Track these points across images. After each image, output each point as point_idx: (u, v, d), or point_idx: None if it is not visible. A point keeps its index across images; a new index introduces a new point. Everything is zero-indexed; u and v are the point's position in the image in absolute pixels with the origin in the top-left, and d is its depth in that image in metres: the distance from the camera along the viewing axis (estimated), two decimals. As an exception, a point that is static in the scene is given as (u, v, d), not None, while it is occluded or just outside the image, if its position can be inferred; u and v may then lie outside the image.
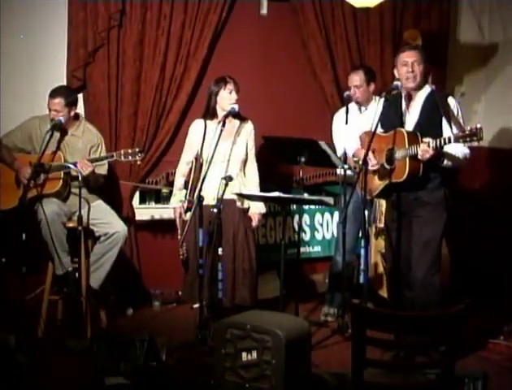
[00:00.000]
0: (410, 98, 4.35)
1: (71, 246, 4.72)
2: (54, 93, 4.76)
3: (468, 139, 3.93)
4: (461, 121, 4.25)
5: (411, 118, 4.33)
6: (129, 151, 4.72)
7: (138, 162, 4.93)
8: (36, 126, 4.79)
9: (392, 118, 4.35)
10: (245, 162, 4.91)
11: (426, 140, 4.10)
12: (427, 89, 4.34)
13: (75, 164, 4.63)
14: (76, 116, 4.88)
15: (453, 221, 4.41)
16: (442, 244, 4.44)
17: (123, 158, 4.71)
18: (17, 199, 4.48)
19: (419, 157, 4.12)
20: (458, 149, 4.20)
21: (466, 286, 5.27)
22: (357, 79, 5.15)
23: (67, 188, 4.79)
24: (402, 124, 4.33)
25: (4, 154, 4.80)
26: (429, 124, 4.22)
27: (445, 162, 4.20)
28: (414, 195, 4.32)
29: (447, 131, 4.18)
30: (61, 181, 4.72)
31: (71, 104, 4.80)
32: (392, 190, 4.42)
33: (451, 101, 4.29)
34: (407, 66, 4.29)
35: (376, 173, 4.43)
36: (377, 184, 4.44)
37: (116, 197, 5.38)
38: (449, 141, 4.02)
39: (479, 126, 3.91)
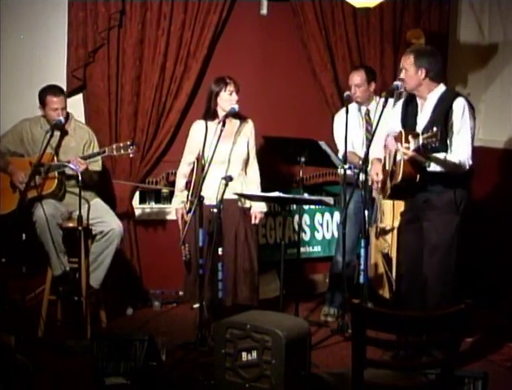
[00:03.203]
0: (422, 99, 4.30)
1: (70, 246, 4.72)
2: (58, 91, 4.77)
3: (430, 140, 3.92)
4: (462, 125, 4.14)
5: (422, 118, 4.27)
6: (121, 145, 4.70)
7: (131, 155, 4.86)
8: (27, 128, 4.79)
9: (410, 118, 4.31)
10: (246, 161, 4.91)
11: (410, 139, 4.09)
12: (440, 89, 4.25)
13: (67, 163, 4.61)
14: (67, 115, 4.89)
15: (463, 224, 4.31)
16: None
17: (115, 152, 4.68)
18: (14, 203, 4.48)
19: (403, 157, 4.10)
20: (452, 156, 4.12)
21: (468, 287, 5.27)
22: (357, 78, 5.16)
23: (63, 188, 4.78)
24: (416, 125, 4.28)
25: None
26: (436, 126, 4.10)
27: (432, 166, 4.11)
28: (424, 197, 4.26)
29: (455, 136, 4.13)
30: (56, 181, 4.70)
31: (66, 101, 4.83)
32: (404, 192, 4.35)
33: (458, 102, 4.17)
34: (401, 71, 4.31)
35: (388, 175, 4.41)
36: (388, 185, 4.43)
37: (115, 195, 5.38)
38: (419, 143, 3.99)
39: (435, 129, 3.91)
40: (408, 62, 4.24)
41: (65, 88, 5.12)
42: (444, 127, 4.15)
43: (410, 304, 4.39)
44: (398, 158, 4.21)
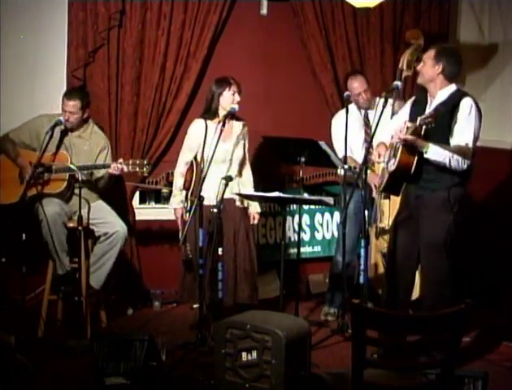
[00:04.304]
0: (432, 96, 4.29)
1: (71, 246, 4.72)
2: (70, 96, 4.80)
3: (427, 120, 3.96)
4: (467, 122, 4.13)
5: None
6: (137, 162, 4.73)
7: (145, 174, 4.95)
8: (44, 124, 4.77)
9: (418, 114, 4.27)
10: (242, 163, 4.93)
11: (408, 124, 4.14)
12: (450, 88, 4.25)
13: (108, 166, 4.71)
14: (86, 119, 4.89)
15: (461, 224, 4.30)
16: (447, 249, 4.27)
17: (130, 168, 4.71)
18: (19, 194, 4.48)
19: (400, 140, 4.11)
20: (453, 149, 4.11)
21: (468, 286, 5.27)
22: (359, 85, 5.16)
23: (71, 190, 4.80)
24: None
25: (9, 148, 4.80)
26: (440, 123, 4.10)
27: (430, 153, 4.08)
28: (417, 193, 4.27)
29: (457, 134, 4.13)
30: (65, 182, 4.72)
31: (86, 106, 4.84)
32: (398, 184, 4.36)
33: (465, 101, 4.17)
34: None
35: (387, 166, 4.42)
36: (385, 177, 4.43)
37: (117, 197, 5.37)
38: (416, 125, 4.03)
39: (432, 111, 4.01)
40: (428, 55, 4.29)
41: (65, 88, 5.13)
42: (448, 124, 4.15)
43: (397, 302, 4.39)
44: (397, 146, 4.22)
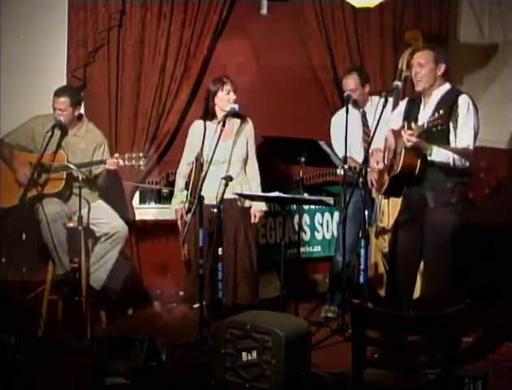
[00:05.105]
0: (427, 96, 4.29)
1: (71, 246, 4.72)
2: (60, 93, 4.78)
3: (436, 122, 3.92)
4: (467, 119, 4.13)
5: (425, 115, 4.25)
6: (133, 155, 4.73)
7: (142, 168, 4.93)
8: (39, 125, 4.78)
9: (412, 116, 4.30)
10: (245, 161, 4.92)
11: (413, 127, 4.10)
12: (445, 87, 4.25)
13: (104, 162, 4.69)
14: (80, 117, 4.89)
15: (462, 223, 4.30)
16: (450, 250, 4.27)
17: (127, 162, 4.70)
18: (18, 198, 4.49)
19: (406, 144, 4.08)
20: (455, 148, 4.11)
21: (468, 286, 5.27)
22: (351, 83, 5.17)
23: (69, 189, 4.80)
24: (418, 122, 4.26)
25: (5, 153, 4.81)
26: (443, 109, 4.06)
27: (434, 154, 4.09)
28: (420, 194, 4.26)
29: (458, 132, 4.12)
30: (63, 182, 4.72)
31: (76, 104, 4.82)
32: (400, 186, 4.35)
33: (463, 98, 4.16)
34: (414, 67, 4.27)
35: (387, 169, 4.41)
36: (386, 178, 4.42)
37: (117, 197, 5.37)
38: (423, 127, 4.00)
39: (441, 112, 3.92)
40: (426, 58, 4.22)
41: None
42: (447, 123, 4.11)
43: (400, 302, 4.38)
44: (399, 149, 4.21)
